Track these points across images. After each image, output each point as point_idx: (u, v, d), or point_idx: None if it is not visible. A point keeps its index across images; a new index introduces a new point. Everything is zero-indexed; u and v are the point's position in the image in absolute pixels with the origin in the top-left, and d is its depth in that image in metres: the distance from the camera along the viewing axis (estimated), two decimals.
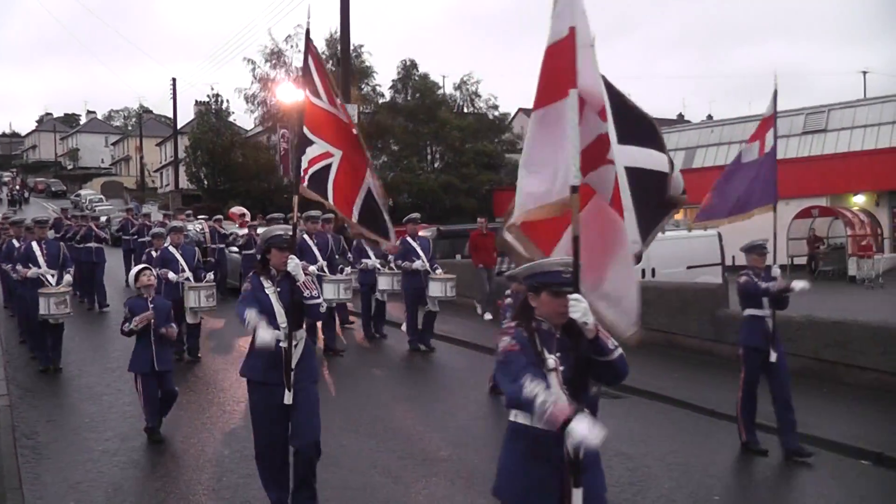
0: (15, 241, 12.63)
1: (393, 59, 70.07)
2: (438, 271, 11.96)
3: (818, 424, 7.72)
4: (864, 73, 65.98)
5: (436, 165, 44.11)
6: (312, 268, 11.41)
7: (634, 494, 6.20)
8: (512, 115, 64.51)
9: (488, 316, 14.16)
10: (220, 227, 18.80)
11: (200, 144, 40.75)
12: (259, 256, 5.68)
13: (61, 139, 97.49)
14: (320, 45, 39.37)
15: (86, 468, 6.82)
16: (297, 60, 39.58)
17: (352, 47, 38.34)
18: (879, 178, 29.03)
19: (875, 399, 8.73)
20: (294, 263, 5.36)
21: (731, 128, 37.95)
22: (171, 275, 10.71)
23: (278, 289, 5.49)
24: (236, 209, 22.67)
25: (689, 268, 15.75)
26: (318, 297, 5.62)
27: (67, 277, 10.60)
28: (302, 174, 5.73)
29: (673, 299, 11.89)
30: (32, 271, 10.57)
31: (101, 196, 56.66)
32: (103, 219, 26.83)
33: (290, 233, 5.62)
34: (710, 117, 60.71)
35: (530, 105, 3.92)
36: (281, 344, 5.37)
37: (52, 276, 10.61)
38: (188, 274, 10.96)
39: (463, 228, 25.53)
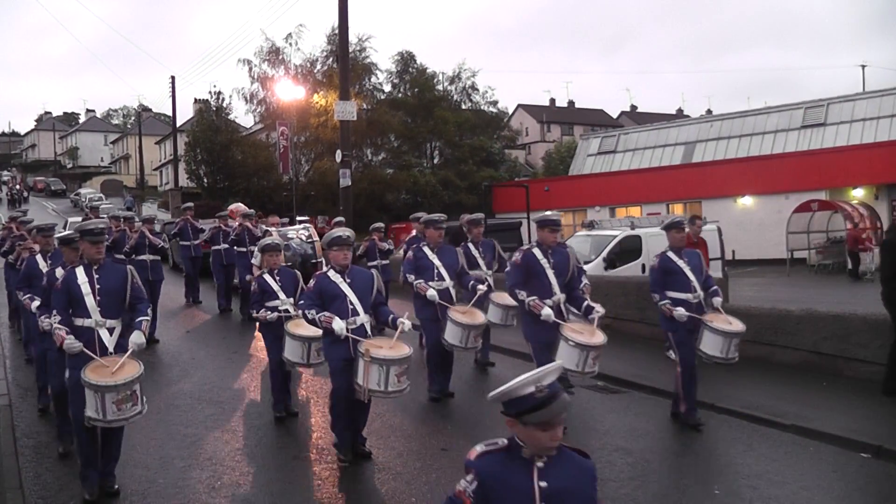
0: (39, 259, 8.54)
1: (393, 49, 70.04)
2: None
3: (818, 418, 7.74)
4: (863, 66, 66.20)
5: (435, 161, 44.12)
6: (431, 292, 8.43)
7: (635, 489, 6.20)
8: (511, 111, 64.54)
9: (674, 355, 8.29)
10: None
11: (199, 142, 40.75)
12: None
13: (60, 138, 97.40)
14: (321, 40, 39.53)
15: None
16: (296, 58, 39.65)
17: (357, 39, 38.48)
18: (878, 172, 29.03)
19: (875, 392, 8.72)
20: None
21: (730, 122, 37.96)
22: (269, 315, 7.90)
23: None
24: (237, 206, 22.41)
25: None
26: None
27: (137, 338, 5.96)
28: None
29: None
30: (70, 343, 5.76)
31: (101, 195, 56.69)
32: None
33: None
34: (709, 112, 60.77)
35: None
36: None
37: (111, 331, 6.03)
38: (288, 304, 7.96)
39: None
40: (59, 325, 5.86)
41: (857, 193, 30.05)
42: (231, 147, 40.06)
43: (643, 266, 15.78)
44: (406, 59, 43.21)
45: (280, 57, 39.20)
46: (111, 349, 5.94)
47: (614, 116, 74.86)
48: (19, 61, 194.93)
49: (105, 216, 17.01)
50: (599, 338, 7.13)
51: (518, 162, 52.34)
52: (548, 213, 8.08)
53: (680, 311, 7.49)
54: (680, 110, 71.64)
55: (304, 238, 13.20)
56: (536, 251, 7.46)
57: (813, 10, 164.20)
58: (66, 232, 7.44)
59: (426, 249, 8.70)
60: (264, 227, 15.28)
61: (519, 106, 70.88)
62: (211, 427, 7.92)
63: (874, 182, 29.91)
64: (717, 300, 7.80)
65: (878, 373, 9.07)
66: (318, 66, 39.65)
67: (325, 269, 7.04)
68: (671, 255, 7.87)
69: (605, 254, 15.32)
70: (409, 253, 8.87)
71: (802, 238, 26.76)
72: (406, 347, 6.45)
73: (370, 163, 41.54)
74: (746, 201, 31.45)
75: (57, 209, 53.41)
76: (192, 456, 7.01)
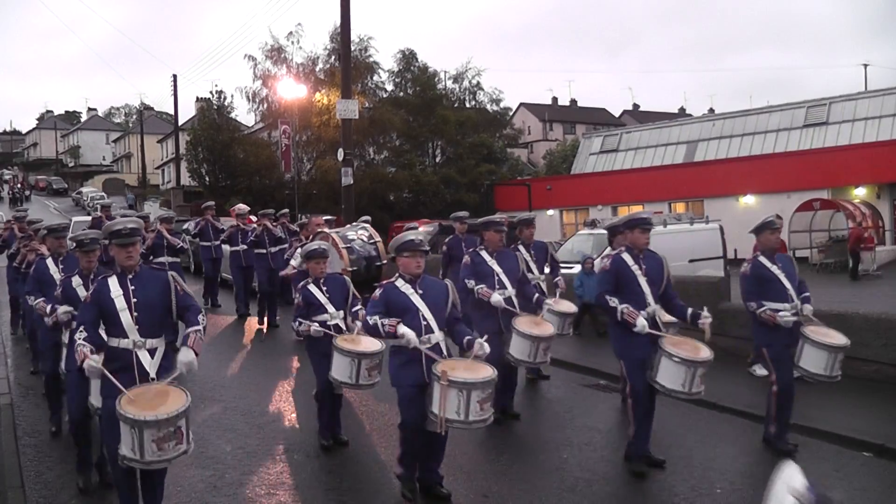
0: (50, 263, 7.49)
1: (397, 50, 70.14)
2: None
3: (820, 417, 7.72)
4: (865, 65, 66.21)
5: (437, 160, 44.10)
6: (496, 297, 7.52)
7: (636, 488, 6.20)
8: (513, 110, 64.49)
9: (762, 371, 8.39)
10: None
11: (201, 141, 40.78)
12: None
13: (62, 137, 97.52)
14: (324, 38, 39.50)
15: None
16: (298, 56, 39.66)
17: (359, 39, 38.48)
18: (880, 171, 29.01)
19: (877, 391, 8.72)
20: None
21: (732, 121, 37.93)
22: (313, 328, 6.87)
23: None
24: (239, 207, 22.20)
25: (691, 261, 15.75)
26: None
27: (185, 356, 4.92)
28: None
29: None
30: (90, 364, 4.79)
31: (103, 193, 56.73)
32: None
33: None
34: (711, 111, 60.74)
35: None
36: None
37: (152, 352, 5.10)
38: (338, 318, 7.07)
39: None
40: (84, 342, 4.92)
41: (859, 192, 30.03)
42: (233, 145, 40.08)
43: None
44: (408, 58, 43.10)
45: (283, 55, 39.22)
46: (153, 374, 5.01)
47: (616, 115, 74.81)
48: (24, 62, 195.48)
49: (116, 216, 16.64)
50: (705, 352, 6.28)
51: (520, 161, 52.31)
52: (637, 210, 7.24)
53: (785, 316, 6.64)
54: (682, 109, 71.62)
55: (365, 239, 11.89)
56: (626, 256, 6.53)
57: (814, 11, 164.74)
58: (82, 232, 6.54)
59: (484, 254, 7.83)
60: (294, 227, 14.29)
61: (521, 104, 70.83)
62: (213, 426, 7.92)
63: (876, 181, 29.88)
64: (809, 308, 6.92)
65: (879, 371, 9.07)
66: (320, 65, 39.68)
67: (392, 278, 6.02)
68: (763, 259, 6.99)
69: (606, 252, 15.30)
70: (466, 258, 8.02)
71: (804, 237, 26.75)
72: (488, 369, 5.57)
73: (372, 161, 41.52)
74: (748, 200, 31.42)
75: (59, 208, 53.48)
76: (193, 454, 7.00)
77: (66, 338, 6.18)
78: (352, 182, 21.60)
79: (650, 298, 6.44)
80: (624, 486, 6.25)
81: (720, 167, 33.52)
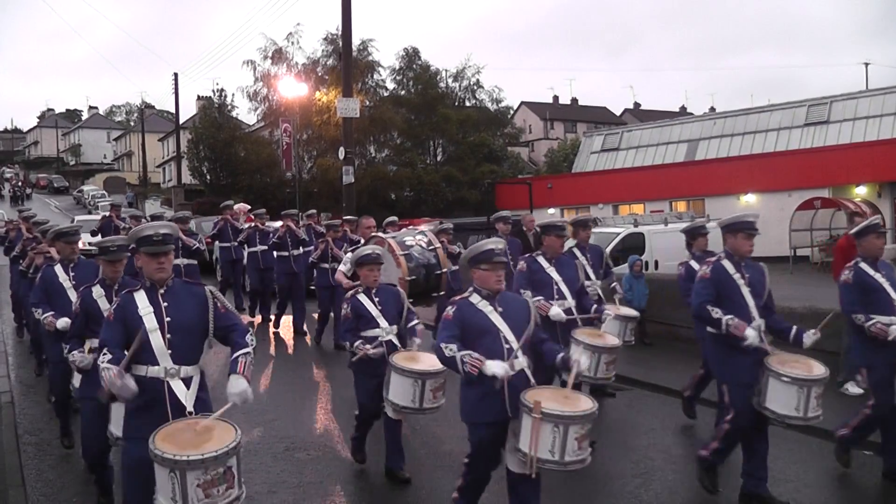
0: (59, 270, 6.60)
1: (397, 47, 70.09)
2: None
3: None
4: (866, 64, 66.24)
5: (438, 158, 44.08)
6: (556, 309, 6.84)
7: (638, 486, 6.20)
8: (514, 108, 64.42)
9: (856, 389, 8.07)
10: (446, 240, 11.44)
11: (202, 139, 40.79)
12: None
13: (63, 135, 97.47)
14: (324, 38, 39.49)
15: None
16: (298, 56, 39.67)
17: (360, 41, 38.47)
18: (881, 170, 28.99)
19: None
20: None
21: (733, 120, 37.91)
22: (372, 351, 6.06)
23: None
24: (241, 205, 22.12)
25: None
26: None
27: (236, 387, 4.16)
28: None
29: (676, 291, 11.81)
30: (124, 383, 4.00)
31: (104, 192, 56.68)
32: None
33: None
34: (712, 109, 60.71)
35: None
36: None
37: (187, 382, 4.31)
38: (392, 334, 6.26)
39: (471, 222, 24.72)
40: (109, 364, 4.05)
41: (860, 191, 30.01)
42: (234, 144, 40.10)
43: (646, 263, 15.76)
44: (411, 56, 43.02)
45: (283, 55, 39.22)
46: (190, 407, 4.21)
47: (617, 114, 74.76)
48: (27, 62, 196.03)
49: (126, 216, 15.89)
50: (819, 369, 5.58)
51: (521, 159, 52.27)
52: (742, 213, 6.11)
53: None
54: (683, 108, 71.57)
55: (424, 245, 10.57)
56: (727, 264, 5.74)
57: (814, 11, 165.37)
58: (108, 239, 5.86)
59: (542, 261, 7.13)
60: (320, 227, 13.55)
61: (522, 103, 70.77)
62: None
63: (877, 180, 29.87)
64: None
65: None
66: (321, 64, 39.67)
67: (466, 293, 5.02)
68: (866, 266, 6.30)
69: (608, 251, 15.30)
70: (522, 264, 7.30)
71: (805, 236, 26.72)
72: (587, 399, 4.62)
73: (373, 160, 41.53)
74: (749, 199, 31.42)
75: (60, 206, 53.47)
76: None
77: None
78: (353, 180, 21.58)
79: (755, 312, 5.66)
80: (625, 485, 6.25)
81: (721, 166, 33.52)
